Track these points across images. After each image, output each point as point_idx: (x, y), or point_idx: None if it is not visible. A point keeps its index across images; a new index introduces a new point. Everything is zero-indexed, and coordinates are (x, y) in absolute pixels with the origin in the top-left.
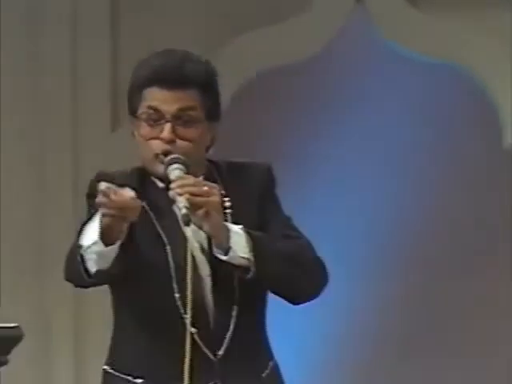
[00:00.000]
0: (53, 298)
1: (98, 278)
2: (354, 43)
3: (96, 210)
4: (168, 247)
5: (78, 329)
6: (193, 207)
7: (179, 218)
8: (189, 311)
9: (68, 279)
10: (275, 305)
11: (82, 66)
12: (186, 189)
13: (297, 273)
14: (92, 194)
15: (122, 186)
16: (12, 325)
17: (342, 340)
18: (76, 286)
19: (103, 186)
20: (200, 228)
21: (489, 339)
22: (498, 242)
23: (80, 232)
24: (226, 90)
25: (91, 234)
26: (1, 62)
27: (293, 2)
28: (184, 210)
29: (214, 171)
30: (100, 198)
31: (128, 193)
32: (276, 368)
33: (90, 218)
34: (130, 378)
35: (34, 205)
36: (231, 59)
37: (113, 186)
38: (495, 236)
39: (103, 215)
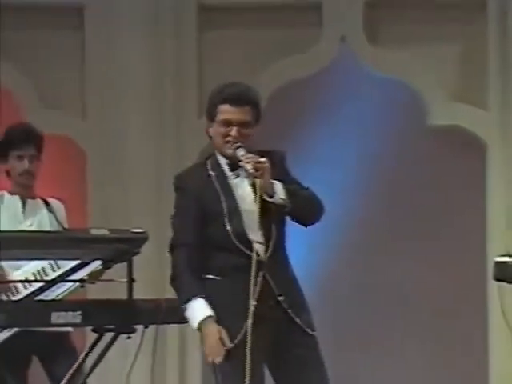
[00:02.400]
0: None
1: None
2: (339, 66)
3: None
4: (223, 199)
5: None
6: (256, 170)
7: (243, 176)
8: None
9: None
10: None
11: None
12: (251, 159)
13: (310, 207)
14: (179, 187)
15: (197, 170)
16: (141, 230)
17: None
18: None
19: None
20: (257, 180)
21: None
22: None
23: (179, 230)
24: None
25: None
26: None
27: (298, 43)
28: (252, 171)
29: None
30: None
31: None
32: (293, 270)
33: (182, 208)
34: (214, 276)
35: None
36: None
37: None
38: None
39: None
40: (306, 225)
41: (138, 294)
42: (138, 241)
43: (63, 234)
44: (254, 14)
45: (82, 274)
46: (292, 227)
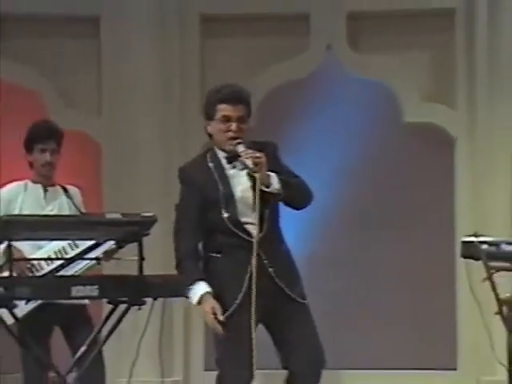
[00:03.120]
0: None
1: None
2: (325, 70)
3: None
4: (221, 188)
5: None
6: (255, 164)
7: (239, 168)
8: (257, 219)
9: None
10: None
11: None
12: (251, 155)
13: (301, 194)
14: (182, 179)
15: (201, 159)
16: (150, 214)
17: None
18: None
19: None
20: (256, 174)
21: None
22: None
23: (182, 216)
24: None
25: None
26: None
27: (289, 50)
28: (251, 166)
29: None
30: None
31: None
32: (287, 246)
33: (184, 199)
34: (215, 254)
35: None
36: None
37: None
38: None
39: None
40: (297, 209)
41: (148, 271)
42: (148, 223)
43: (81, 217)
44: (250, 24)
45: (97, 252)
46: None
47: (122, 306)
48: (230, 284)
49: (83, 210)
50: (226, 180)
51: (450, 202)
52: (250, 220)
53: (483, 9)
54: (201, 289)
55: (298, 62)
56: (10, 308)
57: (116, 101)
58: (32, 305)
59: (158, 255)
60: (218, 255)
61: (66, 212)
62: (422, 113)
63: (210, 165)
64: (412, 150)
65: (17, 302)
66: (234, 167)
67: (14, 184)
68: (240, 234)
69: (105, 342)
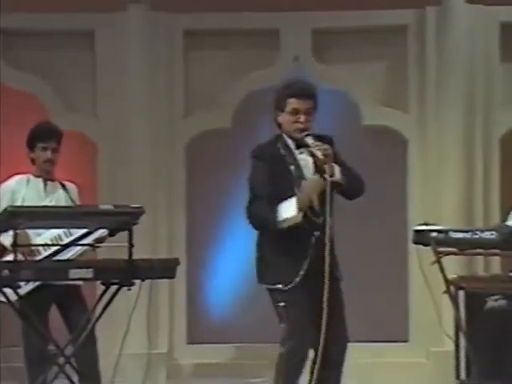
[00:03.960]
0: None
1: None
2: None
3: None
4: (292, 169)
5: None
6: (324, 156)
7: (307, 154)
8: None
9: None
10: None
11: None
12: (320, 147)
13: (357, 185)
14: (258, 156)
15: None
16: (139, 206)
17: None
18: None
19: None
20: (324, 164)
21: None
22: None
23: (259, 186)
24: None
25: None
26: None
27: (261, 61)
28: (322, 157)
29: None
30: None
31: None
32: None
33: (260, 174)
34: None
35: None
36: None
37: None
38: None
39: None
40: (351, 199)
41: (137, 255)
42: (137, 214)
43: (76, 208)
44: (228, 38)
45: (90, 239)
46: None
47: (114, 287)
48: (293, 260)
49: (78, 203)
50: (296, 163)
51: (403, 196)
52: (315, 203)
53: (431, 25)
54: (287, 202)
55: (270, 71)
56: (15, 288)
57: (110, 105)
58: (33, 285)
59: (146, 242)
60: (286, 232)
61: (63, 204)
62: (377, 117)
63: (282, 150)
64: (369, 149)
65: (20, 283)
66: (301, 153)
67: (18, 177)
68: (307, 213)
69: (98, 319)
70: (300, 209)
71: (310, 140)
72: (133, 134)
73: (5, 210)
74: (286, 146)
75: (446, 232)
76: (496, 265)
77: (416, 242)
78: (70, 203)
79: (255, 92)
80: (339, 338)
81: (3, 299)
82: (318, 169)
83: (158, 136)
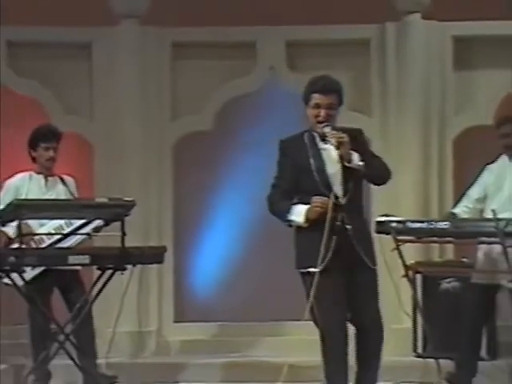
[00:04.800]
0: None
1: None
2: (269, 88)
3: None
4: (312, 159)
5: None
6: (339, 143)
7: (330, 147)
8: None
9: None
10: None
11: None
12: (335, 135)
13: (380, 172)
14: (281, 148)
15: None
16: (131, 199)
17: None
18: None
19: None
20: (339, 151)
21: None
22: None
23: (277, 176)
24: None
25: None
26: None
27: (240, 70)
28: (335, 144)
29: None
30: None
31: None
32: (366, 218)
33: (282, 166)
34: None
35: None
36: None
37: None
38: None
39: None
40: (377, 184)
41: (129, 243)
42: (129, 206)
43: (75, 201)
44: (210, 50)
45: (88, 229)
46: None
47: (108, 272)
48: (319, 241)
49: (76, 196)
50: (318, 153)
51: (366, 190)
52: (336, 188)
53: (391, 39)
54: (300, 208)
55: (248, 80)
56: (20, 273)
57: (105, 109)
58: (37, 270)
59: (137, 231)
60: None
61: (63, 197)
62: (345, 120)
63: (306, 141)
64: None
65: (25, 268)
66: (326, 143)
67: (21, 174)
68: (329, 195)
69: (94, 300)
70: (307, 220)
71: (326, 129)
72: (125, 135)
73: (10, 203)
74: (312, 139)
75: (404, 222)
76: (449, 251)
77: (378, 232)
78: (69, 196)
79: (234, 98)
80: (372, 325)
81: (10, 283)
82: (340, 157)
83: (148, 137)
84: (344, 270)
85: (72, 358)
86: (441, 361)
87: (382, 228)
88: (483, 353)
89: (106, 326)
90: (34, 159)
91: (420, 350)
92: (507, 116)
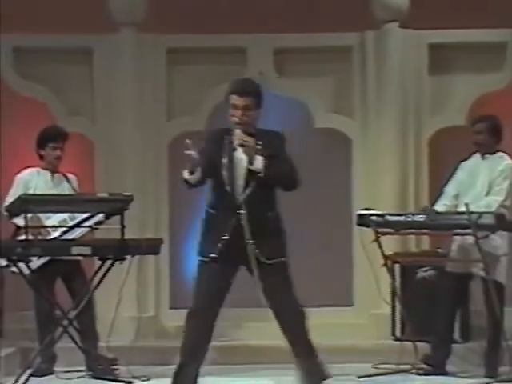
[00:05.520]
0: None
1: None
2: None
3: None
4: (224, 157)
5: None
6: (242, 145)
7: (237, 147)
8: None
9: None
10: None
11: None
12: (240, 138)
13: (283, 178)
14: (207, 136)
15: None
16: (129, 194)
17: None
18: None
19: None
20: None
21: None
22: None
23: (203, 153)
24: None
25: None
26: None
27: (231, 75)
28: (238, 147)
29: (253, 131)
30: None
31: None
32: (278, 215)
33: (205, 150)
34: (211, 210)
35: None
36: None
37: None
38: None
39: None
40: (283, 190)
41: (127, 235)
42: (127, 201)
43: (78, 196)
44: (203, 55)
45: (90, 222)
46: None
47: (109, 262)
48: (217, 235)
49: (78, 191)
50: (230, 152)
51: (348, 186)
52: (238, 186)
53: (371, 46)
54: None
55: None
56: (26, 262)
57: (106, 110)
58: (42, 260)
59: (135, 224)
60: (213, 211)
61: (67, 192)
62: (328, 121)
63: (226, 137)
64: (321, 148)
65: (31, 258)
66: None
67: (29, 170)
68: (232, 192)
69: (96, 288)
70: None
71: (236, 131)
72: (124, 135)
73: (19, 197)
74: (230, 137)
75: (383, 216)
76: (425, 242)
77: (359, 224)
78: (72, 192)
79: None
80: (288, 311)
81: (17, 271)
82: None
83: (146, 136)
84: (235, 264)
85: (75, 342)
86: (417, 343)
87: (363, 221)
88: (457, 336)
89: (106, 312)
90: (41, 157)
91: (398, 334)
92: (482, 116)
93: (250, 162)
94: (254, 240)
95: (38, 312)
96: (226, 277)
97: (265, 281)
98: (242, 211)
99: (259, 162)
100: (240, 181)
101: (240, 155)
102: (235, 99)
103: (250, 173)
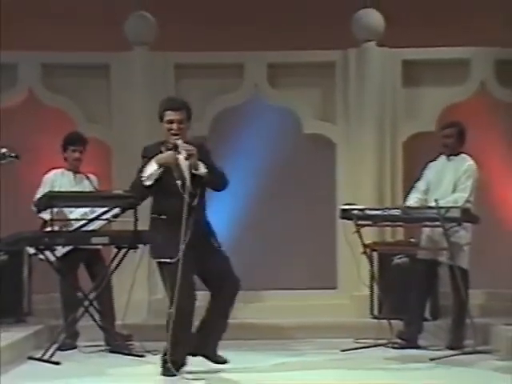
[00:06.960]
0: None
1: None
2: (254, 102)
3: (145, 163)
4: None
5: None
6: (189, 154)
7: (182, 157)
8: (186, 190)
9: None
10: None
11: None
12: (185, 148)
13: (219, 181)
14: (144, 156)
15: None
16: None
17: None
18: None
19: (180, 141)
20: (189, 160)
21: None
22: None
23: (140, 171)
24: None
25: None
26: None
27: (230, 87)
28: (185, 155)
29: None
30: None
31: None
32: (208, 219)
33: (143, 167)
34: (160, 216)
35: None
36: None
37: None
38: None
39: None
40: (217, 190)
41: (140, 227)
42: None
43: (97, 192)
44: (206, 70)
45: (107, 215)
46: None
47: (124, 250)
48: (173, 239)
49: (97, 189)
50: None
51: (332, 184)
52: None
53: (353, 62)
54: (150, 166)
55: (236, 94)
56: (52, 251)
57: (121, 119)
58: (66, 248)
59: (147, 217)
60: (164, 217)
61: (87, 190)
62: (314, 127)
63: (162, 148)
64: (309, 151)
65: (56, 247)
66: (179, 153)
67: (55, 171)
68: (185, 197)
69: (113, 272)
70: (159, 166)
71: (179, 142)
72: (137, 140)
73: (45, 194)
74: (167, 149)
75: (363, 210)
76: (400, 233)
77: (342, 217)
78: (91, 189)
79: (225, 109)
80: (227, 276)
81: (44, 259)
82: (189, 166)
83: (156, 140)
84: (196, 257)
85: (95, 320)
86: (393, 321)
87: (346, 215)
88: (427, 314)
89: (122, 294)
90: (65, 159)
91: (376, 313)
92: (451, 122)
93: (195, 168)
94: (206, 234)
95: (63, 294)
96: (193, 267)
97: (215, 259)
98: (194, 213)
99: (202, 168)
100: (188, 186)
101: (183, 162)
102: (170, 114)
103: (194, 178)
